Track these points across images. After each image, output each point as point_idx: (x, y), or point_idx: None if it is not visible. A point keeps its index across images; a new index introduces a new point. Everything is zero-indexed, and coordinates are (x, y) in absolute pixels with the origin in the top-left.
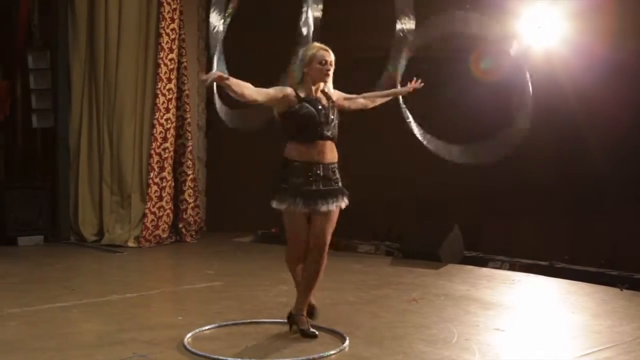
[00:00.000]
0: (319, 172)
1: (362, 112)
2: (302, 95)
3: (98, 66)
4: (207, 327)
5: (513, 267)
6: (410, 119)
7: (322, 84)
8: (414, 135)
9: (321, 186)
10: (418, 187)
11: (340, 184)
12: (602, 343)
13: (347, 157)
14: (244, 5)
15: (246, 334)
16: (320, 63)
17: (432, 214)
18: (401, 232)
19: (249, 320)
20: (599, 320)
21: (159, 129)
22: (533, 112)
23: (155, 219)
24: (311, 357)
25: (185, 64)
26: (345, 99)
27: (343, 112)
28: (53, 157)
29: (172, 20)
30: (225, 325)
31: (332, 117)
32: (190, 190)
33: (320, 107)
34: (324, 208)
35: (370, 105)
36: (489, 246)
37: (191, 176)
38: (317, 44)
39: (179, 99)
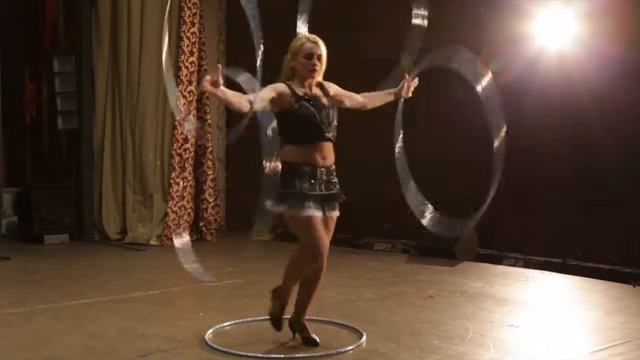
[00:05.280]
0: (322, 175)
1: (359, 111)
2: (298, 92)
3: (121, 69)
4: (227, 323)
5: (527, 265)
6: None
7: (313, 81)
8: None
9: (324, 190)
10: (434, 185)
11: (337, 186)
12: (615, 339)
13: (362, 155)
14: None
15: (266, 330)
16: (306, 57)
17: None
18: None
19: (268, 317)
20: (612, 316)
21: (180, 130)
22: (547, 112)
23: (177, 218)
24: (329, 352)
25: (205, 66)
26: (343, 95)
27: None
28: (78, 158)
29: (193, 24)
30: (246, 322)
31: (332, 116)
32: (211, 190)
33: (320, 106)
34: (331, 214)
35: (369, 105)
36: (503, 244)
37: (211, 176)
38: (306, 35)
39: (199, 100)
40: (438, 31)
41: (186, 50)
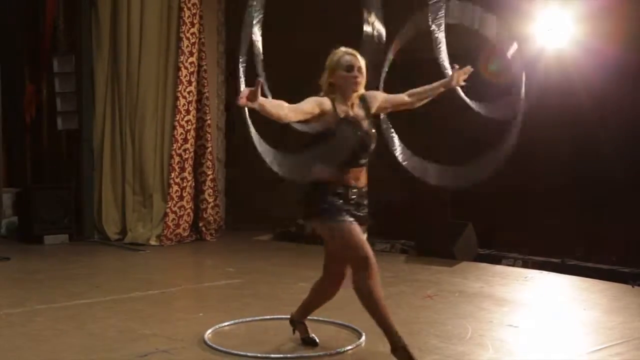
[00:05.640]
0: (354, 197)
1: (409, 111)
2: (340, 112)
3: (120, 70)
4: (227, 323)
5: (526, 265)
6: (393, 131)
7: (356, 95)
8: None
9: (355, 211)
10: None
11: (367, 210)
12: (614, 339)
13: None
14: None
15: (265, 330)
16: (347, 70)
17: (447, 213)
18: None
19: (268, 317)
20: (611, 316)
21: (180, 130)
22: (547, 112)
23: (176, 218)
24: (328, 352)
25: (205, 67)
26: (386, 100)
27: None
28: (77, 158)
29: (192, 24)
30: (245, 322)
31: (370, 140)
32: (210, 190)
33: (360, 132)
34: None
35: (417, 103)
36: (502, 244)
37: (211, 176)
38: (342, 49)
39: (199, 101)
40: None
41: (186, 50)
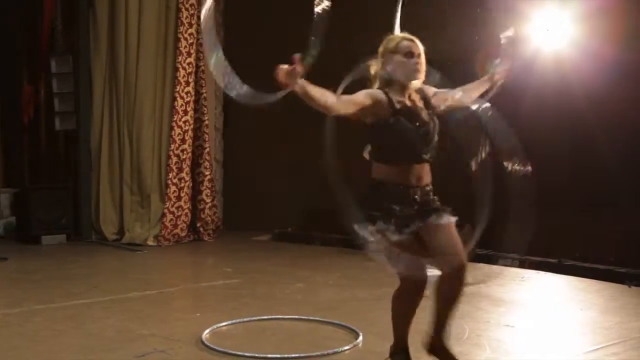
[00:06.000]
0: (416, 197)
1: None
2: (396, 103)
3: (118, 70)
4: (224, 324)
5: (523, 265)
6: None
7: (415, 85)
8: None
9: (419, 210)
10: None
11: (438, 203)
12: (610, 339)
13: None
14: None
15: (263, 330)
16: (406, 55)
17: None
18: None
19: (266, 317)
20: (608, 316)
21: (177, 130)
22: (543, 112)
23: (174, 218)
24: (325, 352)
25: (202, 67)
26: (440, 98)
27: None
28: (75, 159)
29: (190, 25)
30: (243, 322)
31: (433, 133)
32: (208, 191)
33: (418, 122)
34: (436, 221)
35: (466, 100)
36: (499, 244)
37: (209, 177)
38: (399, 34)
39: (196, 101)
40: (434, 30)
41: (184, 51)
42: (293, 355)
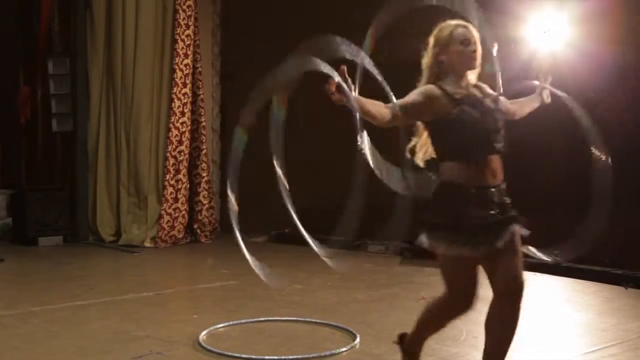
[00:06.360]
0: (494, 198)
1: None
2: (454, 95)
3: (115, 72)
4: (221, 325)
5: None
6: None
7: (471, 76)
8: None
9: (498, 215)
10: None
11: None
12: (607, 340)
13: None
14: None
15: (260, 332)
16: (462, 43)
17: None
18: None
19: (262, 319)
20: (605, 318)
21: (175, 132)
22: (541, 113)
23: (171, 220)
24: (322, 354)
25: (200, 69)
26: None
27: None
28: (72, 160)
29: (187, 26)
30: (240, 324)
31: (500, 120)
32: (205, 192)
33: (484, 109)
34: (507, 238)
35: (518, 115)
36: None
37: (206, 178)
38: (452, 21)
39: (193, 103)
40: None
41: (181, 52)
42: (290, 357)
